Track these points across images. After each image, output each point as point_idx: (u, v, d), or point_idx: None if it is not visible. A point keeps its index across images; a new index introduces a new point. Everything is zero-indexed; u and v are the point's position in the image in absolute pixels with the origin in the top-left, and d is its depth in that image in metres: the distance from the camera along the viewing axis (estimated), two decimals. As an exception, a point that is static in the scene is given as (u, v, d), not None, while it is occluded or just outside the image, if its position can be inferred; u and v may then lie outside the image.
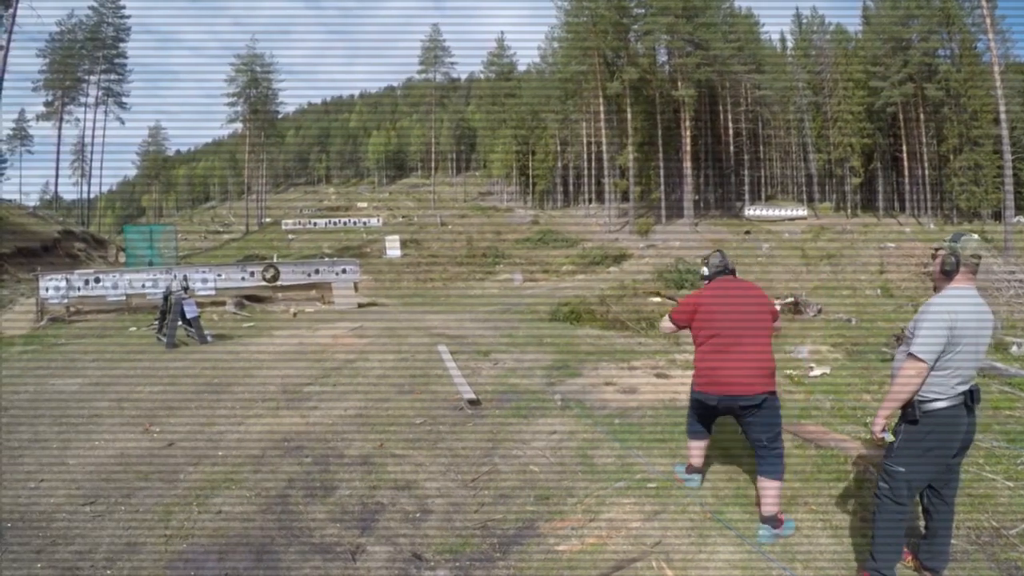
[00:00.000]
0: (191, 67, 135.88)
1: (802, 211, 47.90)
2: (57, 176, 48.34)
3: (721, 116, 51.28)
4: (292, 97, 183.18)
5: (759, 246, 27.98)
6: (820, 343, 13.49)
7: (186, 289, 9.53)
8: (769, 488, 3.13)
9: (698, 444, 3.63)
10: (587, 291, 17.69)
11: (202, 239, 56.53)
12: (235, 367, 7.16)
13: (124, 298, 13.59)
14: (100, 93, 48.87)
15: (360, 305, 13.61)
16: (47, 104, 48.14)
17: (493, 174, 61.32)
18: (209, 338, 9.47)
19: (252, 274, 13.65)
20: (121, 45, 49.24)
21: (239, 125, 56.51)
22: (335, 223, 46.85)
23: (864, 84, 47.00)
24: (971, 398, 2.59)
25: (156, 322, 10.08)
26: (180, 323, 9.39)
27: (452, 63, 54.62)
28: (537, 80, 57.45)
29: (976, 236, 2.73)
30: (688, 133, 43.47)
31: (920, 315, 2.59)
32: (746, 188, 51.64)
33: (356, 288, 13.99)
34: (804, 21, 56.59)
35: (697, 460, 3.67)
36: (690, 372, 3.60)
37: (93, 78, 48.17)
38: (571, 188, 56.86)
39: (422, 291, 19.86)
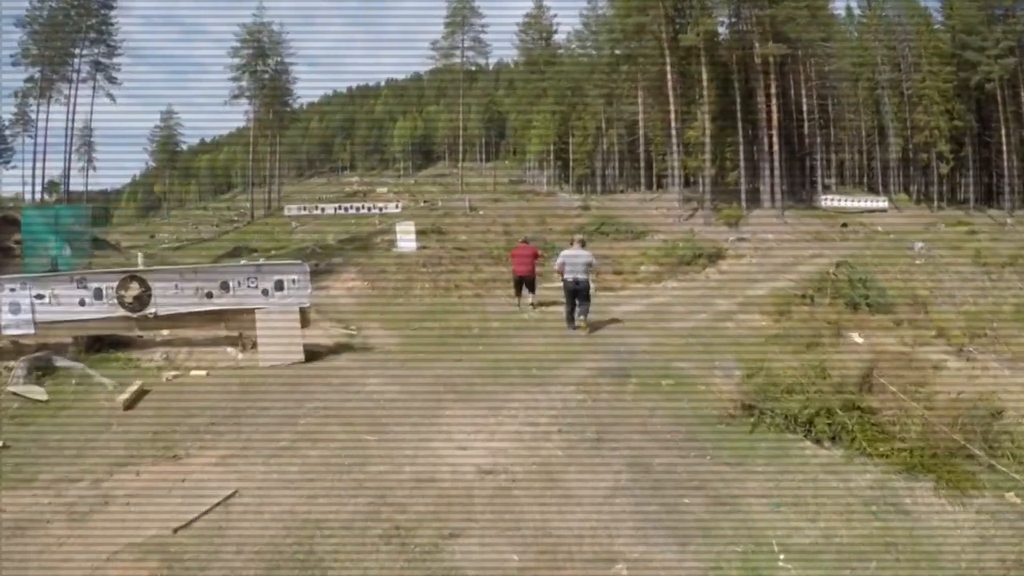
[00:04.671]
0: (216, 59, 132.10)
1: (882, 202, 40.80)
2: (42, 158, 42.89)
3: (792, 92, 43.16)
4: (317, 86, 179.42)
5: (911, 244, 20.17)
6: None
7: None
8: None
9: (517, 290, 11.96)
10: (721, 312, 10.65)
11: (214, 227, 51.86)
12: None
13: None
14: (88, 67, 43.23)
15: (308, 355, 6.61)
16: (29, 80, 42.79)
17: (530, 153, 54.21)
18: None
19: (100, 294, 6.87)
20: (109, 12, 43.43)
21: (249, 109, 51.00)
22: (346, 209, 40.27)
23: (952, 58, 39.03)
24: (575, 282, 9.22)
25: None
26: None
27: (483, 26, 47.31)
28: (579, 48, 50.16)
29: None
30: (774, 103, 35.29)
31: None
32: (819, 174, 43.78)
33: (306, 319, 6.95)
34: (876, -9, 47.88)
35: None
36: None
37: (77, 50, 42.46)
38: (616, 173, 49.68)
39: (444, 306, 12.75)
